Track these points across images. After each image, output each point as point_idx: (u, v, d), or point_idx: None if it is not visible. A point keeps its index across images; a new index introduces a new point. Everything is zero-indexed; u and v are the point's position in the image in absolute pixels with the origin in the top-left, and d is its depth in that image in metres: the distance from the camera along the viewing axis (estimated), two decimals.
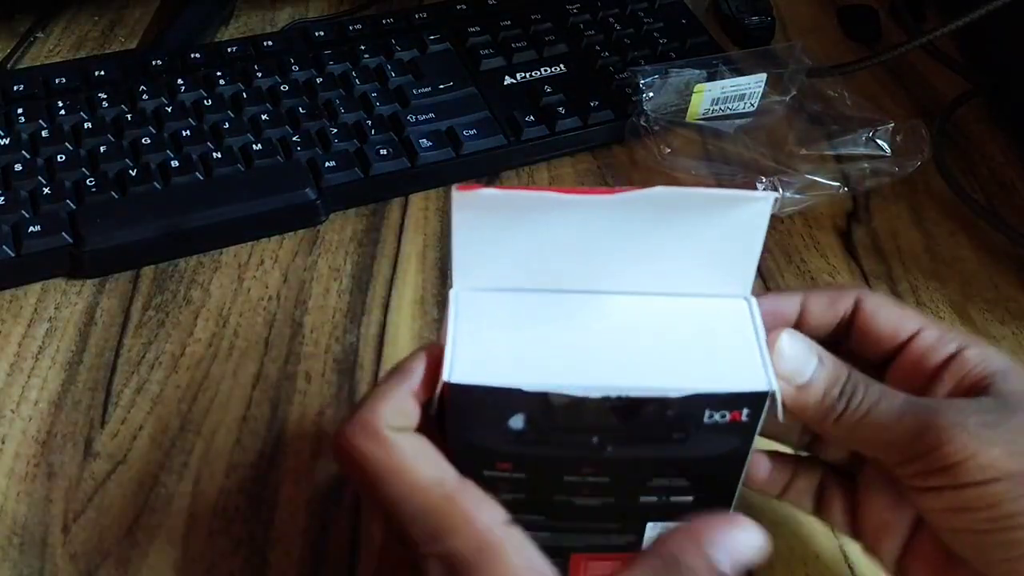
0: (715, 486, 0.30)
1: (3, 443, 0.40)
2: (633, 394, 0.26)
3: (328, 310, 0.45)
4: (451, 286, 0.28)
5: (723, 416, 0.27)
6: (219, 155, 0.49)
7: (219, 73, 0.54)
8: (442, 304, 0.46)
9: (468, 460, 0.27)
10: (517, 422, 0.26)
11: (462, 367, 0.26)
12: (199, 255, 0.48)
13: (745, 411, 0.27)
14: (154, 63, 0.55)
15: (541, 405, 0.26)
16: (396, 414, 0.26)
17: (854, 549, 0.37)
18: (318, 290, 0.46)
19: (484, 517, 0.26)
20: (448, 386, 0.26)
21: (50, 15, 0.63)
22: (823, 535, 0.38)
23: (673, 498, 0.29)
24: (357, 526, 0.37)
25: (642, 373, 0.26)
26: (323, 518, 0.38)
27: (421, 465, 0.26)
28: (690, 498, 0.30)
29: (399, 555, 0.28)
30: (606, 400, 0.26)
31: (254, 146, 0.50)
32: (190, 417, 0.41)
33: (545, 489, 0.29)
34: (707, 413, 0.26)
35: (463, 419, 0.27)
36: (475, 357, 0.26)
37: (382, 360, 0.43)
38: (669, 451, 0.28)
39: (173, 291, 0.46)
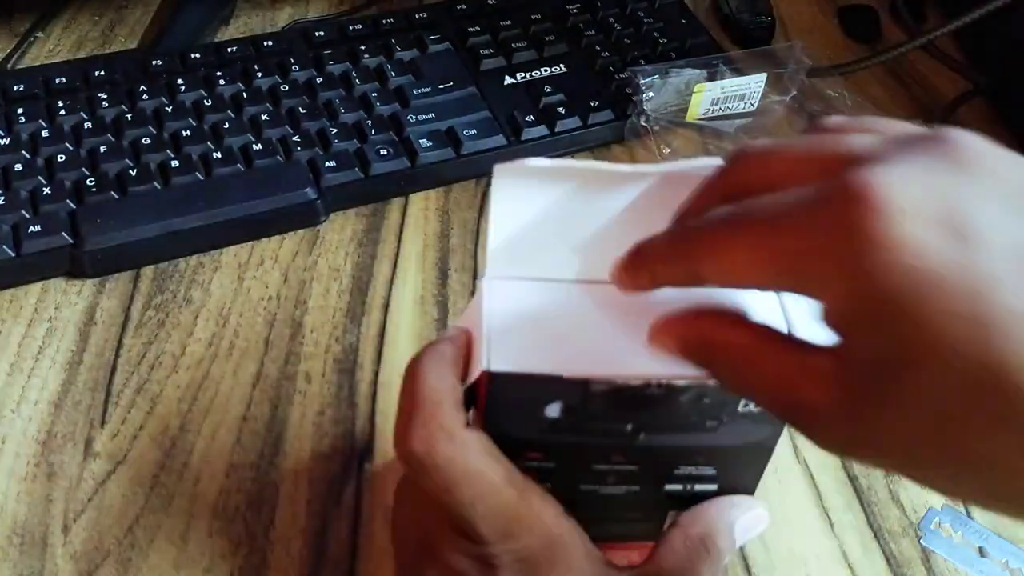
0: (740, 475, 0.30)
1: (3, 443, 0.40)
2: (675, 381, 0.26)
3: (328, 310, 0.45)
4: (482, 274, 0.28)
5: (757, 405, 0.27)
6: (219, 155, 0.49)
7: (219, 73, 0.54)
8: (442, 304, 0.46)
9: (500, 450, 0.27)
10: (553, 410, 0.26)
11: (499, 355, 0.25)
12: (199, 255, 0.48)
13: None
14: (154, 63, 0.55)
15: (580, 392, 0.26)
16: (458, 410, 0.26)
17: (854, 549, 0.38)
18: (318, 290, 0.46)
19: (550, 512, 0.27)
20: (488, 374, 0.25)
21: (50, 15, 0.63)
22: (823, 535, 0.38)
23: (698, 487, 0.30)
24: (357, 526, 0.37)
25: (679, 360, 0.26)
26: (323, 518, 0.38)
27: (493, 464, 0.26)
28: (715, 487, 0.30)
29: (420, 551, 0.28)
30: (647, 386, 0.26)
31: (254, 146, 0.50)
32: (190, 417, 0.41)
33: (573, 478, 0.29)
34: (742, 401, 0.27)
35: (499, 408, 0.26)
36: (511, 346, 0.26)
37: (382, 360, 0.43)
38: (700, 439, 0.28)
39: (173, 291, 0.46)
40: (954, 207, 0.19)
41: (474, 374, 0.26)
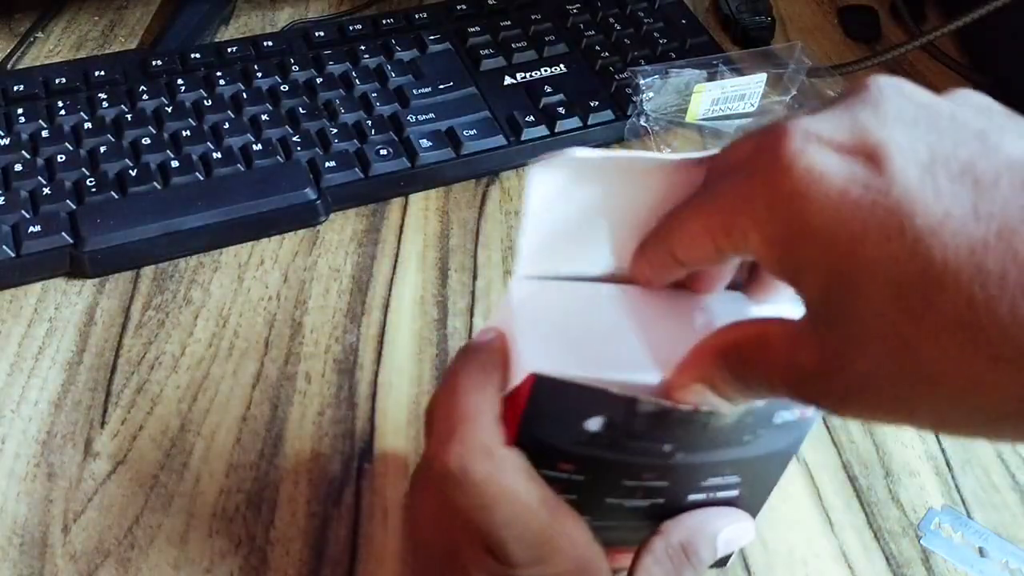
0: (762, 479, 0.29)
1: (3, 443, 0.40)
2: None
3: (328, 310, 0.45)
4: (513, 273, 0.27)
5: (793, 414, 0.27)
6: (219, 155, 0.49)
7: (219, 73, 0.54)
8: (442, 304, 0.46)
9: (531, 458, 0.26)
10: (595, 424, 0.25)
11: (545, 360, 0.24)
12: (199, 255, 0.48)
13: (813, 406, 0.26)
14: (154, 63, 0.55)
15: (625, 410, 0.25)
16: (496, 425, 0.25)
17: (854, 549, 0.37)
18: (318, 290, 0.46)
19: (582, 537, 0.26)
20: (534, 378, 0.24)
21: (50, 15, 0.63)
22: (823, 535, 0.38)
23: (720, 494, 0.29)
24: (357, 526, 0.37)
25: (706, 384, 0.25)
26: (323, 518, 0.38)
27: (530, 484, 0.25)
28: (735, 492, 0.29)
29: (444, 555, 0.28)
30: (695, 411, 0.25)
31: (254, 146, 0.50)
32: (190, 417, 0.41)
33: (601, 492, 0.28)
34: (778, 414, 0.26)
35: (539, 415, 0.25)
36: (554, 351, 0.25)
37: (382, 360, 0.43)
38: (733, 453, 0.27)
39: (173, 291, 0.46)
40: (864, 136, 0.20)
41: (515, 380, 0.25)
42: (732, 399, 0.24)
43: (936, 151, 0.20)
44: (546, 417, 0.25)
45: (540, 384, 0.24)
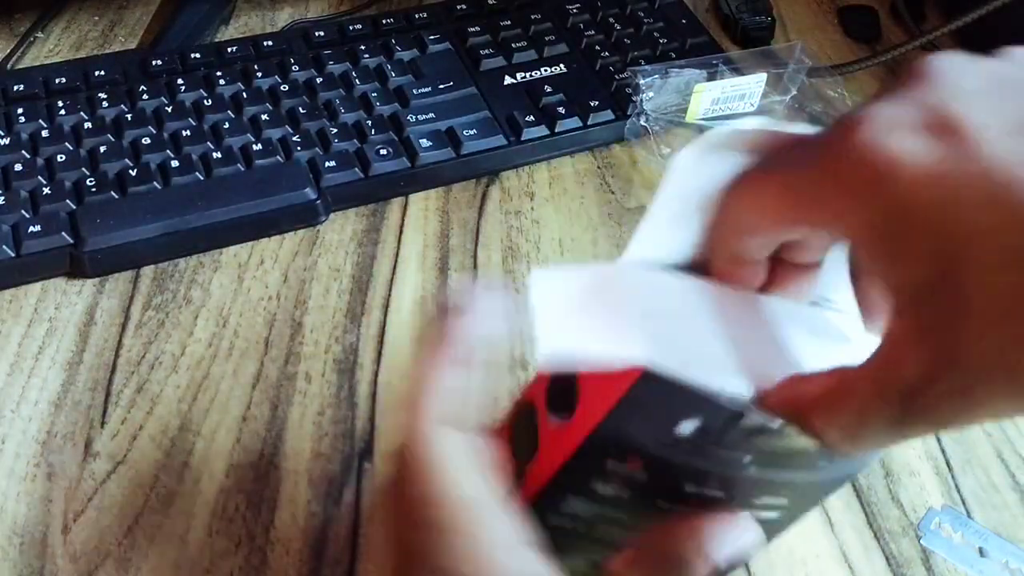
0: (803, 507, 0.28)
1: (3, 443, 0.40)
2: None
3: (328, 310, 0.45)
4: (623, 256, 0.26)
5: None
6: (219, 155, 0.50)
7: (219, 73, 0.54)
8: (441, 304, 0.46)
9: (600, 447, 0.24)
10: (688, 427, 0.23)
11: (657, 353, 0.23)
12: (199, 255, 0.48)
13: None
14: (154, 63, 0.55)
15: (729, 418, 0.23)
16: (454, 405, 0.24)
17: (854, 549, 0.38)
18: (318, 290, 0.46)
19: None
20: (644, 371, 0.22)
21: (50, 15, 0.63)
22: (823, 535, 0.38)
23: (762, 514, 0.28)
24: (357, 526, 0.37)
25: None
26: (323, 518, 0.38)
27: (464, 478, 0.24)
28: (776, 514, 0.28)
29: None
30: (798, 435, 0.23)
31: (254, 146, 0.50)
32: (190, 417, 0.41)
33: (655, 494, 0.26)
34: None
35: (631, 408, 0.23)
36: (662, 345, 0.23)
37: (382, 360, 0.43)
38: (801, 476, 0.26)
39: (173, 291, 0.46)
40: (938, 113, 0.20)
41: (608, 362, 0.23)
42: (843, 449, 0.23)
43: (1013, 114, 0.20)
44: (639, 411, 0.23)
45: (647, 377, 0.22)
